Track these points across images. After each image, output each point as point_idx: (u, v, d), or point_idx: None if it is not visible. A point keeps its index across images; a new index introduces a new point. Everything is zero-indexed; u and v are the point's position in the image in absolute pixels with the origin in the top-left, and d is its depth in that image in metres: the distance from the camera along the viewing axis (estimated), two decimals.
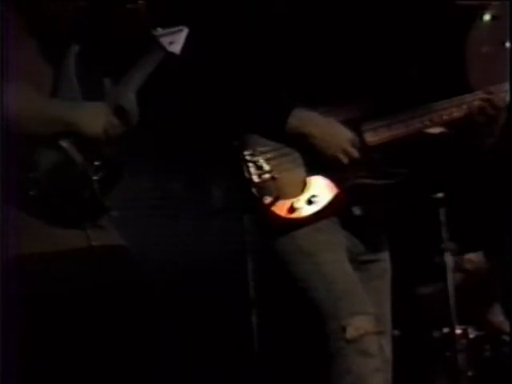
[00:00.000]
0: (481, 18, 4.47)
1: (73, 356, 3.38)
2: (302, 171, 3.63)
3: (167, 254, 5.10)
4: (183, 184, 5.27)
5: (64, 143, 3.35)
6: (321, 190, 3.65)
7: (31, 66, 3.44)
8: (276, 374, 4.94)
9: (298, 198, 3.62)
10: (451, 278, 4.57)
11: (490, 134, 3.69)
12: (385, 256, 3.73)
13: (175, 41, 3.66)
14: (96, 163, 3.38)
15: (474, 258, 5.17)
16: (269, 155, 3.69)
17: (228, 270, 4.97)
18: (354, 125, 3.65)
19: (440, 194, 4.55)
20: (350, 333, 3.52)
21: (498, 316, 4.96)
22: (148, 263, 4.46)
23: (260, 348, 4.91)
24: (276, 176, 3.62)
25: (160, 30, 3.60)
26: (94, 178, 3.37)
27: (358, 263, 3.63)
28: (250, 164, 3.71)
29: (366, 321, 3.57)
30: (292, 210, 3.62)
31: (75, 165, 3.37)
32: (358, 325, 3.55)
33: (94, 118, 3.44)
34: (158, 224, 5.10)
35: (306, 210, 3.63)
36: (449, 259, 4.56)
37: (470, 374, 4.48)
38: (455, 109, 3.70)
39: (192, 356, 5.24)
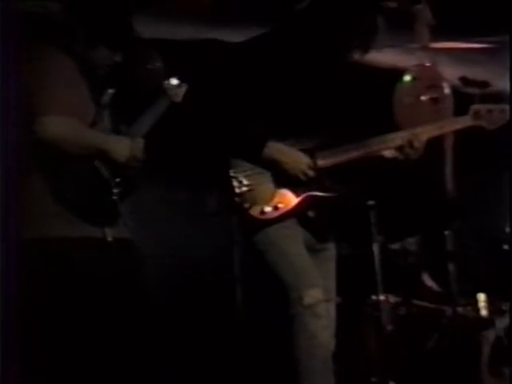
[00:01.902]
0: (402, 78, 4.94)
1: (78, 330, 3.31)
2: (271, 186, 3.74)
3: (175, 245, 5.10)
4: (187, 193, 5.19)
5: (96, 163, 3.36)
6: (285, 199, 3.74)
7: (80, 99, 3.41)
8: (255, 338, 4.79)
9: (268, 204, 3.72)
10: (378, 261, 4.55)
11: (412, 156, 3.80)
12: (331, 246, 3.86)
13: (178, 93, 3.63)
14: (117, 180, 3.40)
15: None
16: (248, 173, 3.79)
17: (220, 257, 4.85)
18: (310, 153, 3.74)
19: (371, 202, 4.58)
20: (307, 300, 3.64)
21: (428, 281, 4.90)
22: (159, 253, 4.75)
23: (243, 316, 4.80)
24: (252, 188, 3.76)
25: (168, 84, 3.62)
26: (115, 190, 3.39)
27: (312, 251, 3.79)
28: (234, 179, 3.79)
29: (317, 291, 3.69)
30: (263, 213, 3.72)
31: (102, 179, 3.38)
32: (312, 294, 3.67)
33: (121, 150, 3.42)
34: (167, 224, 5.07)
35: (272, 214, 3.71)
36: (376, 248, 4.57)
37: (389, 328, 4.51)
38: (383, 145, 3.80)
39: (187, 323, 5.12)
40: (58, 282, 3.29)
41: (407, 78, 4.75)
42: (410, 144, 3.77)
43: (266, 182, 3.79)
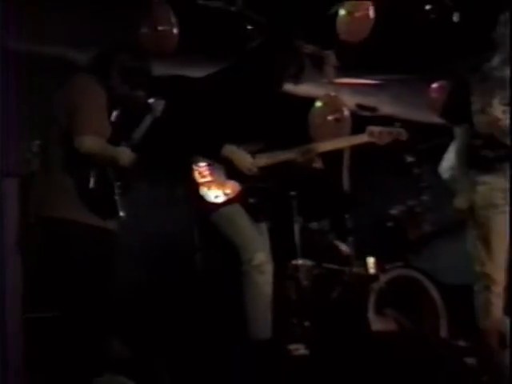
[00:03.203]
0: (315, 104, 5.02)
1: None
2: (223, 177, 3.94)
3: (150, 227, 4.97)
4: (161, 187, 5.00)
5: (108, 170, 3.49)
6: (233, 188, 3.95)
7: (105, 123, 3.52)
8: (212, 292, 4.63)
9: (220, 192, 3.93)
10: (298, 236, 4.55)
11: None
12: (263, 224, 4.09)
13: (159, 109, 3.63)
14: (118, 183, 3.51)
15: None
16: (206, 168, 3.94)
17: (184, 233, 4.65)
18: (252, 155, 3.96)
19: (293, 192, 4.58)
20: (255, 261, 3.86)
21: (341, 246, 4.83)
22: (140, 233, 4.71)
23: (202, 278, 4.74)
24: (209, 179, 3.94)
25: (152, 101, 3.62)
26: (117, 191, 3.50)
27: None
28: (196, 172, 3.95)
29: (263, 255, 3.91)
30: (216, 198, 3.92)
31: (109, 182, 3.49)
32: (259, 257, 3.87)
33: (125, 156, 3.53)
34: (147, 212, 4.90)
35: (222, 199, 3.93)
36: (296, 226, 4.56)
37: (305, 283, 4.52)
38: (296, 153, 4.01)
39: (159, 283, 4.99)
40: (65, 252, 3.41)
41: (318, 103, 4.83)
42: (309, 153, 4.02)
43: (220, 174, 3.95)
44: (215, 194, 3.93)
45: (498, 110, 3.55)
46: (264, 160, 3.97)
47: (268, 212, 4.17)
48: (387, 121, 4.28)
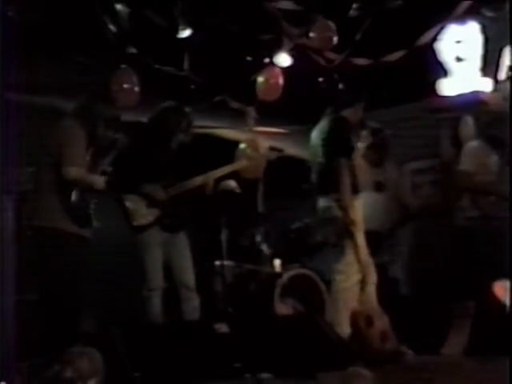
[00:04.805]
0: (239, 146, 4.78)
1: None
2: (145, 207, 4.04)
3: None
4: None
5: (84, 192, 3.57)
6: (153, 214, 4.07)
7: (85, 156, 3.59)
8: None
9: (143, 218, 4.04)
10: (224, 243, 4.55)
11: None
12: (183, 238, 4.19)
13: (121, 144, 3.81)
14: (93, 201, 3.61)
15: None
16: (134, 199, 4.02)
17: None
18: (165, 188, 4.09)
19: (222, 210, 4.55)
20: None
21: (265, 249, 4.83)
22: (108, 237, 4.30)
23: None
24: (134, 208, 4.04)
25: (117, 138, 3.75)
26: (91, 207, 3.60)
27: (169, 244, 4.09)
28: (127, 203, 4.04)
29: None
30: (140, 222, 4.03)
31: (85, 201, 3.55)
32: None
33: (100, 181, 3.62)
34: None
35: (144, 223, 4.04)
36: (223, 237, 4.54)
37: (229, 280, 4.56)
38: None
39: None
40: (49, 254, 3.50)
41: (242, 145, 4.73)
42: (208, 178, 4.15)
43: (142, 204, 4.08)
44: (139, 221, 4.06)
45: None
46: (174, 190, 4.14)
47: (200, 226, 4.36)
48: (291, 160, 4.56)
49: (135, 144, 4.10)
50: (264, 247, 4.90)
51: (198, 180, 4.15)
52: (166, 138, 4.14)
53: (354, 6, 3.96)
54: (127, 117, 3.97)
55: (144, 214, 4.05)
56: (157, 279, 4.06)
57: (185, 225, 4.23)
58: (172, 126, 4.14)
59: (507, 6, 3.89)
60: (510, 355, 2.87)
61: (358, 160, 4.08)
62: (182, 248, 4.20)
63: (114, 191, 3.79)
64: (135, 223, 4.06)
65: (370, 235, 4.12)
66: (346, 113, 4.06)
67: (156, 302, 4.04)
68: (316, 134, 4.18)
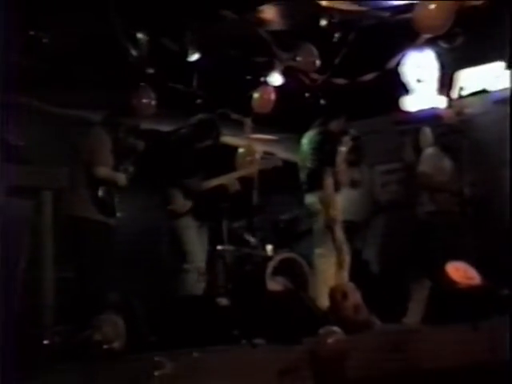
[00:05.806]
0: (238, 150, 4.79)
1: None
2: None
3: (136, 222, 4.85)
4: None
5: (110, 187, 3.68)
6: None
7: (111, 158, 3.67)
8: None
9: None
10: (225, 231, 4.55)
11: None
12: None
13: (140, 148, 3.82)
14: (117, 195, 3.70)
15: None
16: None
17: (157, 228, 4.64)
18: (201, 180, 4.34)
19: (223, 204, 4.57)
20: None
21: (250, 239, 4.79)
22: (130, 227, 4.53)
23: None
24: None
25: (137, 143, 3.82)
26: (116, 200, 3.65)
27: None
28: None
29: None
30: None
31: (111, 195, 3.60)
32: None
33: (121, 179, 3.68)
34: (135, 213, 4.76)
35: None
36: (224, 225, 4.56)
37: (229, 261, 4.55)
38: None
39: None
40: (81, 238, 3.60)
41: (241, 150, 4.72)
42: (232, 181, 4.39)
43: (180, 196, 4.16)
44: None
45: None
46: (211, 183, 4.32)
47: (208, 217, 4.40)
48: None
49: (175, 148, 4.27)
50: (258, 235, 4.94)
51: (222, 179, 4.29)
52: (199, 142, 4.25)
53: (335, 35, 4.22)
54: (145, 125, 4.12)
55: (182, 203, 4.17)
56: (197, 255, 4.20)
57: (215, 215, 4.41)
58: (205, 133, 4.27)
59: (459, 39, 4.27)
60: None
61: (341, 165, 4.31)
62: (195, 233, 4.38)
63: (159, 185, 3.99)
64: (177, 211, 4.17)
65: (347, 224, 4.40)
66: (332, 125, 4.38)
67: (191, 277, 4.16)
68: (306, 144, 4.46)
